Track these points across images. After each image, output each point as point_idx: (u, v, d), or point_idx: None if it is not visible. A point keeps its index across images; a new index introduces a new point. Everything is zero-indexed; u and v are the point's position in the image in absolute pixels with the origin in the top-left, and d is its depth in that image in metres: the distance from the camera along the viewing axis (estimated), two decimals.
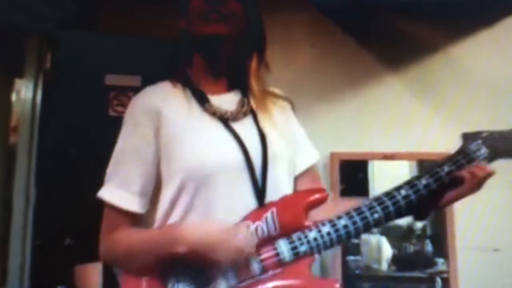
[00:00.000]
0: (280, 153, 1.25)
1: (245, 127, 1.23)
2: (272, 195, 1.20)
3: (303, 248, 1.12)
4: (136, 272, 1.14)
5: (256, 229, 1.13)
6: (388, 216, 1.16)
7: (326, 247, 1.13)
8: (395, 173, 2.92)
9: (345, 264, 2.65)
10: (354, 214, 1.15)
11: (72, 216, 2.32)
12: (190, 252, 1.07)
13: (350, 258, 2.69)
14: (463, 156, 1.22)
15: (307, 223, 1.14)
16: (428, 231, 2.73)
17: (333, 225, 1.14)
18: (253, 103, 1.28)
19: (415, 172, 2.90)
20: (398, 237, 2.72)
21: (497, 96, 2.71)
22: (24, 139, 2.81)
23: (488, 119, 2.68)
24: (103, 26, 2.92)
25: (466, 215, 2.54)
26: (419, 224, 2.75)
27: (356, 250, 2.71)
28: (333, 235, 1.13)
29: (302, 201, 1.16)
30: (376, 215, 1.15)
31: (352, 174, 2.76)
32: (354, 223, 1.14)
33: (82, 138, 2.43)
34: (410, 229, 2.73)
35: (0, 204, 2.85)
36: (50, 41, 2.82)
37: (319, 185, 1.40)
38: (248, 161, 1.18)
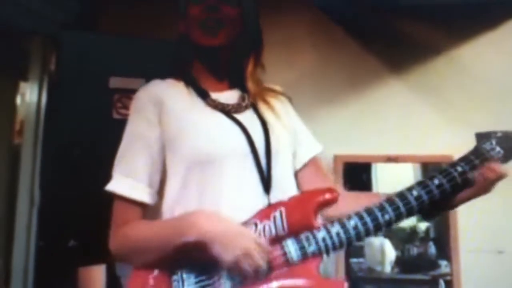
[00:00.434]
0: (283, 140, 1.28)
1: (248, 118, 1.25)
2: (277, 181, 1.21)
3: (311, 249, 1.11)
4: (148, 265, 1.14)
5: (264, 228, 1.12)
6: (399, 217, 1.16)
7: (335, 247, 1.12)
8: (399, 175, 2.92)
9: (348, 266, 2.65)
10: (364, 214, 1.14)
11: (76, 217, 2.32)
12: (201, 240, 1.07)
13: (353, 260, 2.68)
14: (476, 156, 1.20)
15: (316, 223, 1.13)
16: (432, 233, 2.73)
17: (343, 226, 1.13)
18: (253, 98, 1.31)
19: (418, 175, 2.89)
20: (401, 239, 2.71)
21: (501, 98, 2.71)
22: (29, 141, 2.82)
23: (492, 120, 2.67)
24: (106, 27, 2.93)
25: (469, 217, 2.53)
26: (422, 226, 2.74)
27: (359, 252, 2.70)
28: (343, 236, 1.12)
29: (312, 201, 1.15)
30: (387, 216, 1.14)
31: (356, 176, 2.76)
32: (364, 224, 1.13)
33: (86, 141, 2.43)
34: (413, 231, 2.72)
35: (5, 205, 2.86)
36: (54, 43, 2.83)
37: (324, 176, 1.40)
38: (252, 147, 1.20)
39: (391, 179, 2.91)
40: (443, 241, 2.63)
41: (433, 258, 2.70)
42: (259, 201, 1.17)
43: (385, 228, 1.16)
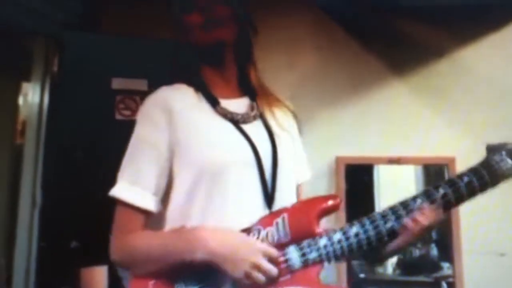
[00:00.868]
0: (288, 154, 1.28)
1: (255, 130, 1.25)
2: (280, 194, 1.21)
3: (312, 255, 1.11)
4: (150, 274, 1.14)
5: (267, 235, 1.12)
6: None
7: (336, 255, 1.12)
8: (401, 177, 2.91)
9: (350, 268, 2.65)
10: (366, 222, 1.14)
11: (78, 218, 2.32)
12: (209, 260, 1.07)
13: (355, 262, 2.68)
14: (484, 167, 1.19)
15: (318, 230, 1.13)
16: (434, 235, 2.72)
17: (344, 233, 1.12)
18: (261, 108, 1.31)
19: (420, 176, 2.89)
20: None
21: (503, 99, 2.70)
22: (31, 142, 2.82)
23: (494, 122, 2.67)
24: (108, 27, 2.93)
25: (472, 219, 2.53)
26: None
27: None
28: (344, 243, 1.12)
29: (315, 208, 1.14)
30: (389, 224, 1.13)
31: (358, 178, 2.76)
32: (366, 231, 1.12)
33: (88, 142, 2.44)
34: None
35: (7, 206, 2.86)
36: (57, 43, 2.84)
37: None
38: (258, 159, 1.20)
39: (393, 181, 2.91)
40: (445, 243, 2.62)
41: (435, 260, 2.69)
42: (262, 213, 1.18)
43: (388, 238, 1.15)
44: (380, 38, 2.83)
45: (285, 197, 1.23)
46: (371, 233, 1.13)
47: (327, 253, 1.11)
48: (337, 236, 1.12)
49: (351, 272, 2.64)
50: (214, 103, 1.26)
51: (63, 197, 2.42)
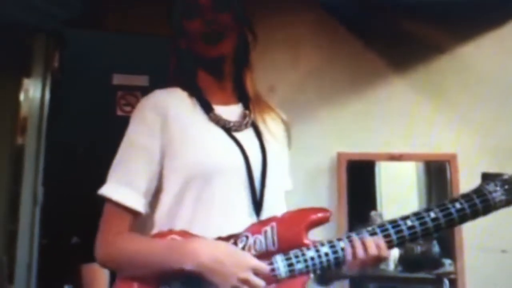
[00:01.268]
0: (277, 164, 1.29)
1: (247, 138, 1.26)
2: (268, 203, 1.22)
3: (299, 266, 1.11)
4: (134, 277, 1.13)
5: (255, 242, 1.12)
6: (389, 246, 1.15)
7: (322, 267, 1.12)
8: (402, 173, 2.91)
9: None
10: (354, 237, 1.14)
11: (79, 215, 2.33)
12: (198, 272, 1.07)
13: None
14: (478, 195, 1.18)
15: (306, 241, 1.13)
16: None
17: (332, 246, 1.13)
18: (253, 115, 1.31)
19: (422, 173, 2.89)
20: None
21: (504, 97, 2.70)
22: (32, 139, 2.82)
23: (495, 119, 2.67)
24: (110, 24, 2.93)
25: None
26: None
27: None
28: (331, 256, 1.12)
29: (304, 219, 1.15)
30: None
31: (359, 174, 2.75)
32: (353, 247, 1.12)
33: (89, 138, 2.44)
34: None
35: (8, 203, 2.86)
36: (58, 40, 2.83)
37: None
38: (248, 167, 1.21)
39: (395, 178, 2.91)
40: (447, 240, 2.62)
41: (437, 256, 2.69)
42: (249, 220, 1.18)
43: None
44: (381, 36, 2.83)
45: (273, 205, 1.24)
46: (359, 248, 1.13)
47: (314, 265, 1.11)
48: (325, 249, 1.12)
49: None
50: (207, 109, 1.26)
51: (64, 194, 2.43)
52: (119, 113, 2.51)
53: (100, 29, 2.89)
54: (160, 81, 1.33)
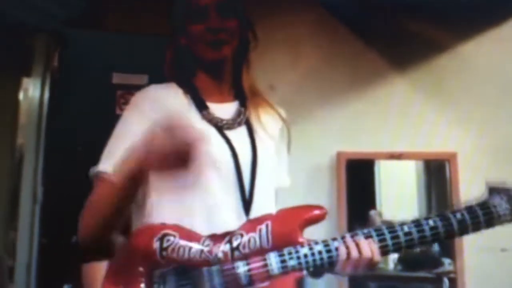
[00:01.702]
0: (268, 163, 1.28)
1: (239, 136, 1.26)
2: (258, 202, 1.22)
3: (292, 263, 1.11)
4: (120, 277, 1.13)
5: (249, 240, 1.12)
6: (384, 251, 1.15)
7: (315, 265, 1.12)
8: (402, 172, 2.91)
9: None
10: (349, 238, 1.13)
11: (79, 214, 2.32)
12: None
13: None
14: (481, 208, 1.17)
15: (301, 239, 1.13)
16: None
17: (326, 245, 1.12)
18: (249, 112, 1.31)
19: (421, 172, 2.89)
20: None
21: (505, 95, 2.70)
22: (31, 138, 2.82)
23: (495, 118, 2.67)
24: (110, 24, 2.93)
25: None
26: None
27: None
28: (324, 255, 1.12)
29: (299, 217, 1.15)
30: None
31: (359, 173, 2.76)
32: (347, 247, 1.12)
33: (89, 137, 2.44)
34: None
35: (8, 202, 2.86)
36: (58, 39, 2.83)
37: None
38: (237, 166, 1.21)
39: (394, 176, 2.91)
40: None
41: (437, 256, 2.69)
42: (238, 218, 1.18)
43: None
44: (382, 35, 2.84)
45: (262, 203, 1.23)
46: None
47: (307, 262, 1.11)
48: (319, 247, 1.12)
49: None
50: (200, 107, 1.26)
51: (63, 193, 2.42)
52: (118, 112, 2.51)
53: (100, 29, 2.89)
54: (160, 81, 1.32)
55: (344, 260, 1.12)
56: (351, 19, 2.84)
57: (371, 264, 1.13)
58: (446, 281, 2.61)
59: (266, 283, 1.10)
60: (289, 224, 1.14)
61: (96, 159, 1.26)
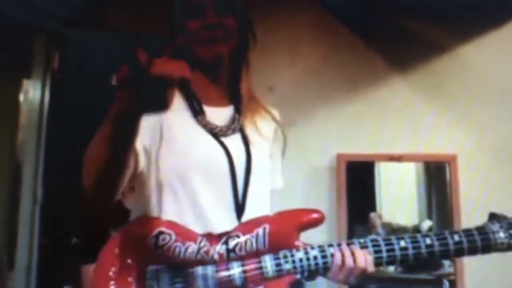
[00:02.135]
0: (262, 167, 1.28)
1: (233, 143, 1.25)
2: (251, 205, 1.21)
3: (287, 266, 1.12)
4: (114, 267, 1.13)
5: (246, 242, 1.13)
6: (378, 262, 1.16)
7: (310, 270, 1.13)
8: (402, 174, 2.91)
9: None
10: (345, 246, 1.15)
11: (79, 215, 2.32)
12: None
13: None
14: (479, 232, 1.20)
15: (297, 243, 1.14)
16: None
17: (322, 251, 1.14)
18: (244, 116, 1.30)
19: (421, 174, 2.89)
20: None
21: (505, 97, 2.70)
22: (32, 139, 2.82)
23: (496, 120, 2.67)
24: (110, 24, 2.93)
25: (473, 217, 2.52)
26: (425, 226, 2.74)
27: None
28: (319, 261, 1.13)
29: (297, 220, 1.16)
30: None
31: (359, 175, 2.75)
32: (343, 255, 1.14)
33: (89, 138, 2.43)
34: (416, 230, 2.72)
35: (8, 203, 2.86)
36: (58, 39, 2.83)
37: None
38: (232, 170, 1.20)
39: (394, 179, 2.91)
40: None
41: None
42: (229, 222, 1.18)
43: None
44: (381, 36, 2.83)
45: (255, 207, 1.23)
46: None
47: (302, 267, 1.12)
48: (314, 252, 1.13)
49: None
50: (196, 112, 1.25)
51: (64, 194, 2.42)
52: None
53: (100, 29, 2.89)
54: None
55: (338, 267, 1.12)
56: (351, 19, 2.83)
57: (363, 274, 1.14)
58: (446, 283, 2.60)
59: (260, 286, 1.11)
60: (286, 228, 1.15)
61: None
